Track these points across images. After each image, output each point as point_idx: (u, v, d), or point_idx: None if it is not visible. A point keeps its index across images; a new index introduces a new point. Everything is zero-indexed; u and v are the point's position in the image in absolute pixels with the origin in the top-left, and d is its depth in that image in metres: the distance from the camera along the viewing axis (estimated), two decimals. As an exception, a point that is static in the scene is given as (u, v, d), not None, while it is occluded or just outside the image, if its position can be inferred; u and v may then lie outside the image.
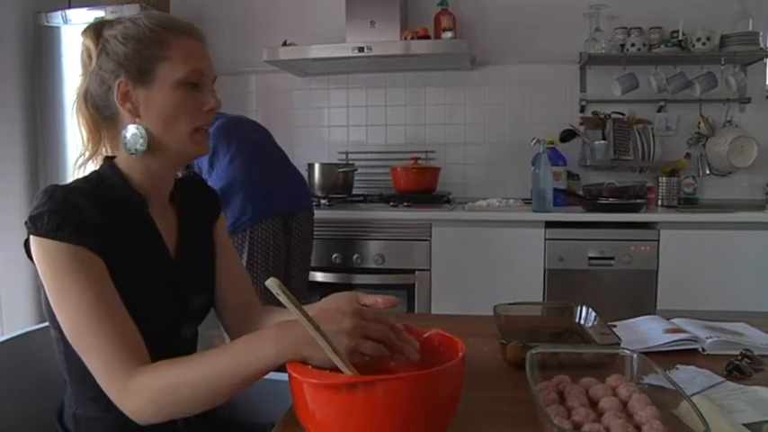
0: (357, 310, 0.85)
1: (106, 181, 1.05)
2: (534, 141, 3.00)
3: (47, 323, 1.04)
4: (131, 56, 1.03)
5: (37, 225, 0.93)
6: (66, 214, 0.94)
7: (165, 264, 1.10)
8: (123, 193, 1.05)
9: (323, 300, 1.05)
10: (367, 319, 0.85)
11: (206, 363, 0.88)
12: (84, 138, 1.10)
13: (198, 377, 0.88)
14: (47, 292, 0.94)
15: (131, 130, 1.03)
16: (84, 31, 1.07)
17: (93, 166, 1.10)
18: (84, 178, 1.05)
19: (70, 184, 1.02)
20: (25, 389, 1.22)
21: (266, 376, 0.86)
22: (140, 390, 0.88)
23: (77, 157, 1.11)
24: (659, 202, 3.27)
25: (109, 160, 1.09)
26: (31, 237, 0.94)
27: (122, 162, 1.08)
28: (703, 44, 3.12)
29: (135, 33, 1.03)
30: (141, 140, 1.03)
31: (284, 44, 3.31)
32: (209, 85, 1.08)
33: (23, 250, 0.98)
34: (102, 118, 1.09)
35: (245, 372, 0.85)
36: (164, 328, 1.07)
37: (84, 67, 1.07)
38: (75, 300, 0.91)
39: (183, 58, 1.04)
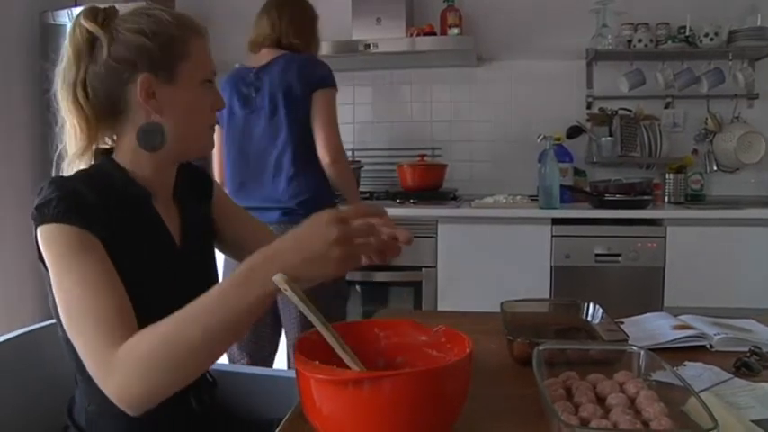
0: (337, 216, 0.83)
1: (107, 175, 1.04)
2: (541, 138, 2.99)
3: (53, 320, 1.04)
4: (155, 52, 1.02)
5: (43, 212, 0.92)
6: (73, 200, 0.94)
7: (171, 253, 1.11)
8: (126, 186, 1.05)
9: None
10: (349, 220, 0.84)
11: (193, 314, 0.83)
12: (78, 130, 1.06)
13: (186, 330, 0.82)
14: (50, 278, 0.92)
15: (152, 127, 1.03)
16: (88, 16, 1.02)
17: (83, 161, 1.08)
18: (85, 172, 1.04)
19: (73, 176, 1.02)
20: (32, 386, 1.23)
21: (273, 372, 0.87)
22: (122, 361, 0.82)
23: (70, 153, 1.08)
24: (666, 199, 3.25)
25: (105, 154, 1.08)
26: (39, 227, 0.93)
27: (125, 156, 1.06)
28: (711, 40, 3.11)
29: (158, 29, 1.02)
30: (160, 137, 1.04)
31: (290, 41, 3.30)
32: (214, 85, 1.12)
33: (30, 248, 0.98)
34: (105, 110, 1.05)
35: (241, 313, 0.82)
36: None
37: (80, 54, 1.03)
38: (70, 279, 0.89)
39: (203, 58, 1.08)
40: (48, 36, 3.22)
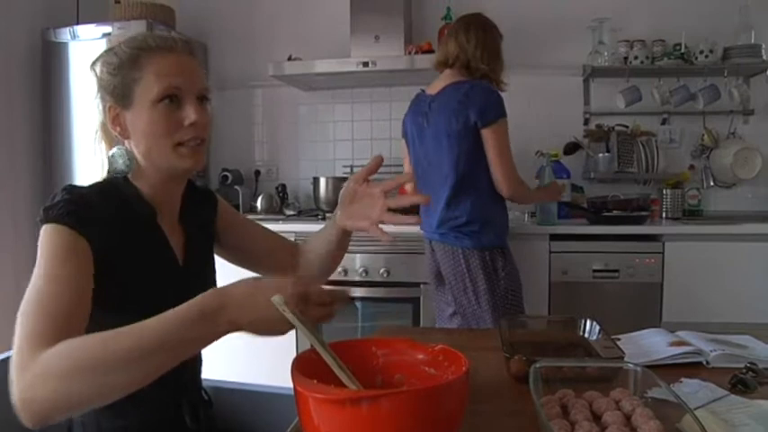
0: (299, 294, 0.84)
1: (118, 189, 1.09)
2: (538, 155, 3.01)
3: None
4: (113, 82, 1.07)
5: (48, 213, 0.96)
6: (78, 205, 0.97)
7: (172, 271, 1.13)
8: (134, 202, 1.09)
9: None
10: (308, 295, 0.86)
11: (132, 336, 0.80)
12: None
13: (109, 347, 0.79)
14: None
15: (113, 151, 1.09)
16: (90, 68, 1.12)
17: None
18: (98, 183, 1.09)
19: (88, 185, 1.06)
20: None
21: (272, 390, 0.87)
22: (33, 366, 0.79)
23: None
24: (663, 215, 3.27)
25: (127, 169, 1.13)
26: (42, 227, 0.96)
27: (132, 176, 1.11)
28: (706, 56, 3.14)
29: (114, 60, 1.07)
30: (121, 161, 1.08)
31: (290, 59, 3.33)
32: (190, 99, 1.07)
33: (28, 263, 0.99)
34: (111, 142, 1.13)
35: (173, 347, 0.81)
36: None
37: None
38: (42, 274, 0.91)
39: (156, 76, 1.05)
40: (49, 53, 3.25)
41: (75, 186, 1.03)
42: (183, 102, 1.07)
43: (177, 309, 0.83)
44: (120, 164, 1.08)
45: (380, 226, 1.17)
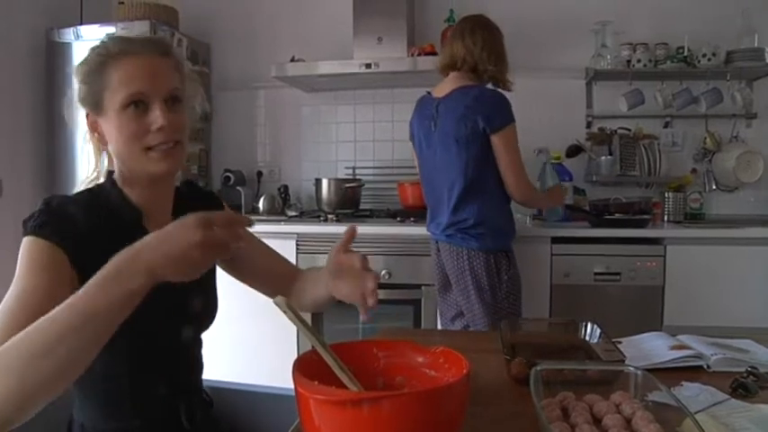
0: (203, 219, 0.83)
1: (105, 193, 1.10)
2: (538, 152, 3.01)
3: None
4: (85, 90, 1.08)
5: (26, 225, 0.98)
6: (54, 217, 0.99)
7: None
8: (119, 206, 1.10)
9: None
10: (213, 225, 0.84)
11: (54, 312, 0.79)
12: (93, 161, 1.17)
13: (42, 327, 0.78)
14: None
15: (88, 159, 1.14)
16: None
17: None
18: (87, 189, 1.12)
19: (70, 195, 1.08)
20: None
21: (273, 390, 0.87)
22: None
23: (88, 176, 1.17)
24: (665, 218, 3.27)
25: (110, 175, 1.14)
26: (23, 239, 0.98)
27: (118, 176, 1.12)
28: (709, 60, 3.14)
29: (85, 69, 1.08)
30: (90, 169, 1.13)
31: (292, 60, 3.34)
32: (158, 103, 1.06)
33: None
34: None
35: (103, 310, 0.79)
36: (159, 333, 1.08)
37: None
38: (15, 286, 0.92)
39: (120, 82, 1.04)
40: (53, 53, 3.26)
41: (55, 197, 1.04)
42: (151, 105, 1.05)
43: (95, 276, 0.81)
44: (90, 171, 1.14)
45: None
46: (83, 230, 0.99)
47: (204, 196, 1.30)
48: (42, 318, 0.79)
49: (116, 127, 1.05)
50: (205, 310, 1.22)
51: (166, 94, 1.07)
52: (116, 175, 1.13)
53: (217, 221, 0.85)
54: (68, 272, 0.96)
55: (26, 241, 0.97)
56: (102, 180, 1.15)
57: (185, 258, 0.82)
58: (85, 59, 1.09)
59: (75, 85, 1.10)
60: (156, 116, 1.05)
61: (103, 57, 1.06)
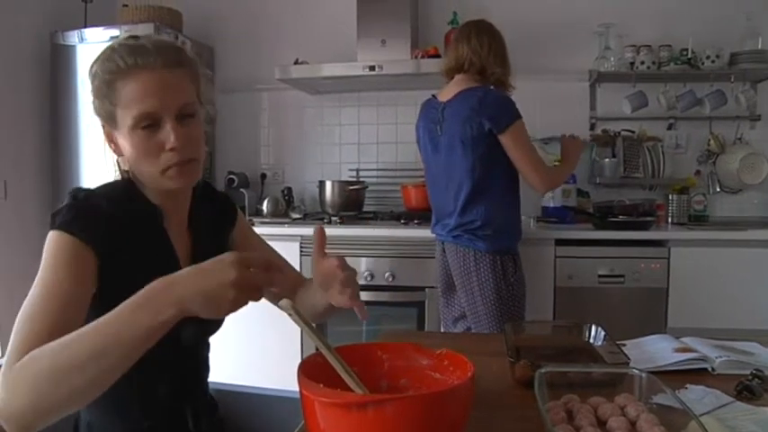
0: (240, 259, 0.84)
1: (125, 190, 1.10)
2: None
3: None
4: (98, 105, 1.07)
5: (55, 219, 0.97)
6: (83, 211, 0.99)
7: (173, 270, 1.12)
8: (140, 204, 1.10)
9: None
10: (250, 267, 0.84)
11: (85, 332, 0.82)
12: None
13: (74, 347, 0.80)
14: None
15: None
16: None
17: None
18: (109, 184, 1.11)
19: (95, 188, 1.07)
20: None
21: (277, 393, 0.87)
22: (11, 376, 0.81)
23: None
24: (669, 220, 3.26)
25: (127, 174, 1.13)
26: (49, 232, 0.97)
27: (136, 178, 1.12)
28: (712, 62, 3.13)
29: (95, 84, 1.06)
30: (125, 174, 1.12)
31: (296, 62, 3.35)
32: (169, 120, 1.03)
33: (35, 265, 0.99)
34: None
35: (133, 336, 0.81)
36: (170, 334, 1.08)
37: None
38: (39, 281, 0.93)
39: (131, 101, 1.01)
40: (57, 56, 3.27)
41: (82, 189, 1.04)
42: (163, 123, 1.03)
43: (126, 302, 0.82)
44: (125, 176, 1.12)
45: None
46: (108, 226, 1.00)
47: (219, 198, 1.30)
48: (70, 336, 0.81)
49: (130, 145, 1.04)
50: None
51: (178, 111, 1.03)
52: (133, 176, 1.12)
53: (253, 263, 0.85)
54: (93, 268, 0.97)
55: (55, 236, 0.96)
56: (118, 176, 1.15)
57: (217, 297, 0.82)
58: (96, 73, 1.05)
59: (92, 96, 1.08)
60: (169, 136, 1.02)
61: (110, 74, 1.02)
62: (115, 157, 1.12)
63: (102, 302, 0.93)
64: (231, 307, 0.83)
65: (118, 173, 1.14)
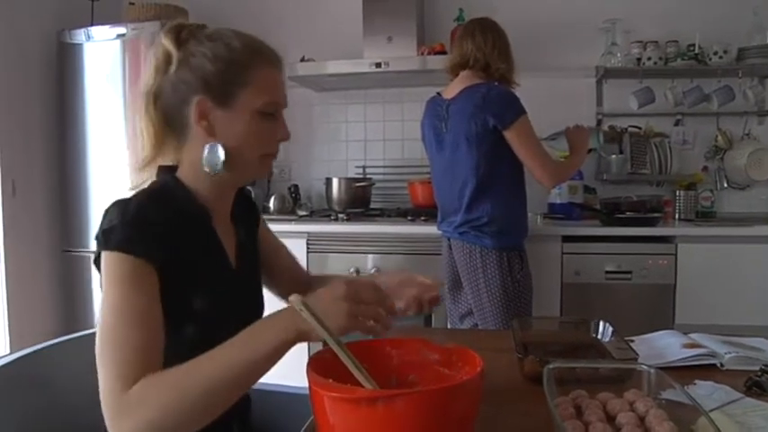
0: (352, 293, 0.87)
1: (171, 193, 1.06)
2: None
3: (64, 338, 1.04)
4: (216, 76, 1.03)
5: (109, 239, 0.92)
6: (138, 227, 0.94)
7: (227, 273, 1.12)
8: (188, 205, 1.06)
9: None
10: (362, 301, 0.88)
11: (206, 361, 0.84)
12: (146, 141, 1.09)
13: (199, 377, 0.83)
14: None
15: (213, 150, 1.03)
16: (170, 32, 1.06)
17: (148, 172, 1.11)
18: (149, 190, 1.05)
19: (137, 196, 1.01)
20: (67, 399, 1.23)
21: (286, 389, 0.88)
22: (133, 408, 0.82)
23: (138, 159, 1.11)
24: (677, 216, 3.25)
25: (168, 171, 1.10)
26: (103, 252, 0.93)
27: (188, 175, 1.08)
28: (720, 57, 3.12)
29: (226, 55, 1.04)
30: (220, 160, 1.03)
31: (302, 60, 3.35)
32: (281, 115, 1.10)
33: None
34: (168, 125, 1.08)
35: (259, 358, 0.85)
36: (226, 338, 1.08)
37: (158, 67, 1.06)
38: (110, 307, 0.90)
39: (264, 87, 1.05)
40: (64, 54, 3.28)
41: (127, 202, 0.97)
42: (278, 116, 1.09)
43: (247, 329, 0.87)
44: (220, 163, 1.04)
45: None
46: (162, 237, 0.96)
47: (247, 200, 1.29)
48: (191, 366, 0.84)
49: (244, 128, 1.04)
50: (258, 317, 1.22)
51: (284, 108, 1.11)
52: (181, 173, 1.09)
53: (364, 298, 0.89)
54: (156, 282, 0.94)
55: (113, 258, 0.92)
56: (154, 176, 1.10)
57: (333, 312, 0.86)
58: (222, 41, 1.04)
59: (190, 57, 1.04)
60: (283, 128, 1.09)
61: (252, 52, 1.05)
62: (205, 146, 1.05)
63: (166, 311, 0.94)
64: (346, 318, 0.87)
65: (142, 171, 1.10)
